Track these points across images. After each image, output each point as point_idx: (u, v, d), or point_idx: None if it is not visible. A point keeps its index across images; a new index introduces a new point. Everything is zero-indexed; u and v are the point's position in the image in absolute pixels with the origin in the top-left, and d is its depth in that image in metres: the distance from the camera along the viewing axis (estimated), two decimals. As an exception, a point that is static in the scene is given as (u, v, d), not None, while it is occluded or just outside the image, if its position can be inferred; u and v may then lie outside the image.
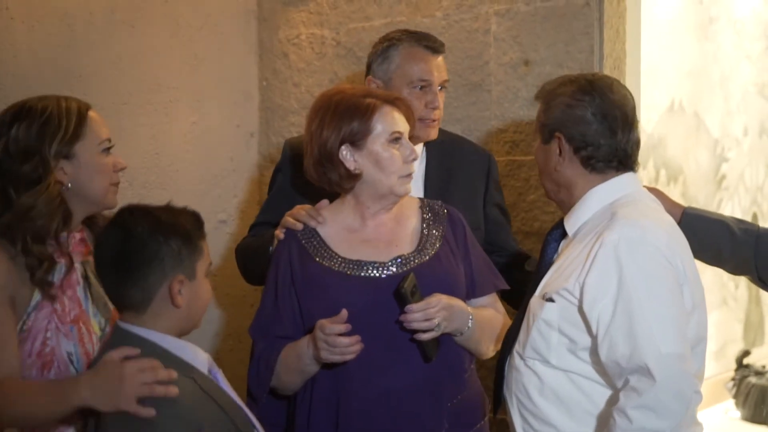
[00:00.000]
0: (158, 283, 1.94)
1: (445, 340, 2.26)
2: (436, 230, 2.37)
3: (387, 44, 2.76)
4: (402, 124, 2.30)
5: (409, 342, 2.23)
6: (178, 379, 1.88)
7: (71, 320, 2.11)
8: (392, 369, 2.23)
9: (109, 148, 2.21)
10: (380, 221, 2.35)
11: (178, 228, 1.95)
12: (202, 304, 2.01)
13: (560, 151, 2.15)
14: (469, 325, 2.27)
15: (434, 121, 2.74)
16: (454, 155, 2.85)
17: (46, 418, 1.93)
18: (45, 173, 2.09)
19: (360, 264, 2.28)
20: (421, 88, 2.72)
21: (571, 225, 2.19)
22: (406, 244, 2.34)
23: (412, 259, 2.31)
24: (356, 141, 2.27)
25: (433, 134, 2.77)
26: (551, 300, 2.10)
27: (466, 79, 3.23)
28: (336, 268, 2.28)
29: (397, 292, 2.19)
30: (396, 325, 2.23)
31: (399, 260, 2.30)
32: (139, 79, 3.47)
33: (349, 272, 2.27)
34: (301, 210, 2.36)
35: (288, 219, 2.37)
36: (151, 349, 1.92)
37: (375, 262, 2.29)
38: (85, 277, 2.20)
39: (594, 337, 2.04)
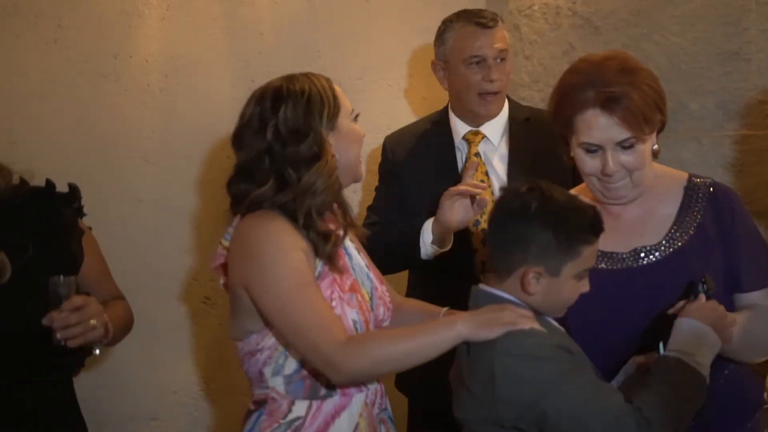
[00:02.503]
0: (518, 264, 1.96)
1: None
2: (692, 216, 2.20)
3: (443, 27, 2.91)
4: None
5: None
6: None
7: (349, 289, 2.12)
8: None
9: (356, 117, 2.23)
10: (625, 206, 2.22)
11: (561, 224, 1.94)
12: (559, 302, 2.01)
13: None
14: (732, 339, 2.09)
15: (494, 94, 2.84)
16: (541, 132, 2.77)
17: (426, 356, 1.98)
18: (321, 149, 2.09)
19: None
20: (477, 63, 2.82)
21: None
22: (651, 234, 2.20)
23: (651, 251, 2.18)
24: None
25: (495, 109, 2.87)
26: None
27: (720, 48, 3.03)
28: None
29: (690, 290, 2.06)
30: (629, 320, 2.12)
31: (637, 253, 2.17)
32: (374, 55, 3.47)
33: None
34: None
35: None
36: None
37: (613, 253, 2.18)
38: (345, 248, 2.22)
39: None
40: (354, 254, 2.21)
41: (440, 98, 3.09)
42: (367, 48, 3.45)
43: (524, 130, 2.92)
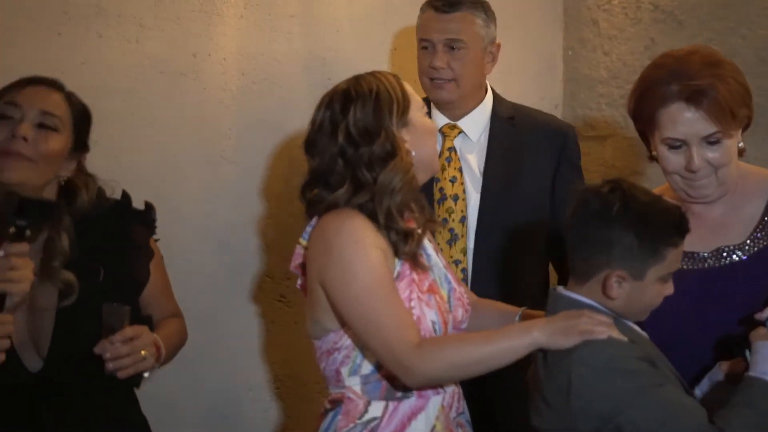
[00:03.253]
0: (599, 267, 1.90)
1: None
2: None
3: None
4: None
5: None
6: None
7: (427, 290, 2.09)
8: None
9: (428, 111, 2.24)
10: (709, 205, 2.14)
11: (644, 226, 1.87)
12: (642, 307, 1.95)
13: None
14: None
15: (438, 80, 2.72)
16: (525, 131, 2.75)
17: (500, 363, 1.96)
18: (394, 147, 2.07)
19: None
20: (426, 48, 2.75)
21: None
22: (734, 234, 2.12)
23: (734, 251, 2.10)
24: None
25: (445, 96, 2.74)
26: None
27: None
28: None
29: None
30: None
31: (719, 252, 2.10)
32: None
33: None
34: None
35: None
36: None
37: (694, 253, 2.11)
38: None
39: None
40: (432, 254, 2.17)
41: (512, 97, 3.02)
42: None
43: (507, 128, 2.82)
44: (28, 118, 2.10)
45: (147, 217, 2.32)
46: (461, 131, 2.82)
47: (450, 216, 2.73)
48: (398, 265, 2.06)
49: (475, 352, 1.95)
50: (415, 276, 2.08)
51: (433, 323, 2.06)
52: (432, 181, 2.66)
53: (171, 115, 3.00)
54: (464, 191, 2.76)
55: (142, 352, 2.07)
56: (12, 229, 1.93)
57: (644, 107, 2.12)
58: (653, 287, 1.90)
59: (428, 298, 2.08)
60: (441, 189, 2.77)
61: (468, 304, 2.21)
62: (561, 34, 3.66)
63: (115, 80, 2.90)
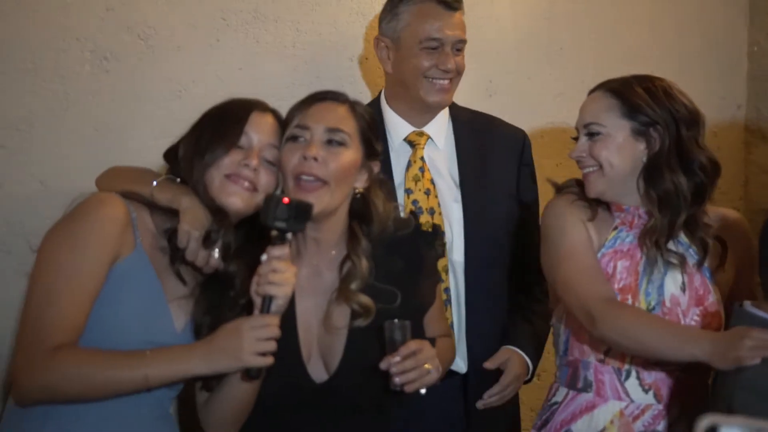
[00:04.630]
0: None
1: None
2: None
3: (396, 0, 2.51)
4: None
5: None
6: None
7: (618, 288, 2.18)
8: None
9: None
10: None
11: None
12: None
13: None
14: None
15: (448, 82, 2.50)
16: (486, 136, 2.60)
17: (662, 355, 2.08)
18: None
19: None
20: (434, 48, 2.47)
21: None
22: None
23: None
24: None
25: (447, 100, 2.53)
26: None
27: None
28: None
29: None
30: None
31: None
32: (619, 50, 3.25)
33: None
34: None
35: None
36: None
37: None
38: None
39: None
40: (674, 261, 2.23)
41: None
42: (610, 44, 3.24)
43: (468, 131, 2.59)
44: (316, 139, 2.10)
45: (434, 239, 2.29)
46: (429, 138, 2.59)
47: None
48: None
49: (651, 332, 2.06)
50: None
51: None
52: (404, 192, 2.51)
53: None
54: (439, 204, 2.54)
55: (426, 366, 2.04)
56: (274, 233, 1.95)
57: None
58: None
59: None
60: (414, 202, 2.54)
61: None
62: (746, 28, 3.38)
63: (273, 87, 2.86)
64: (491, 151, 2.61)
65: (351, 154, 2.11)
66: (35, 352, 1.85)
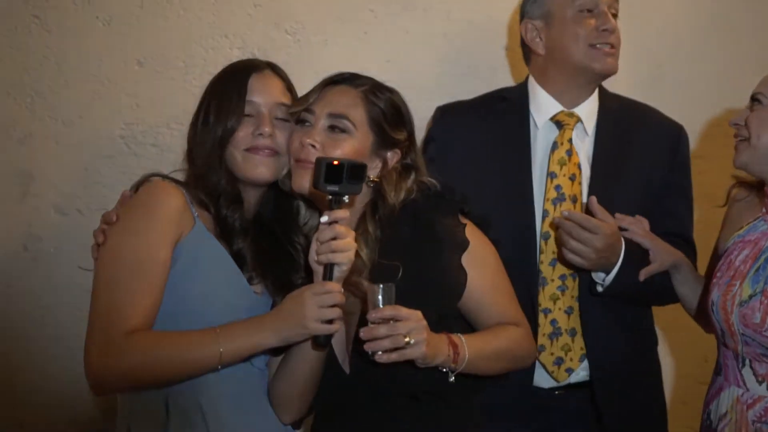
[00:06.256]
0: None
1: None
2: None
3: None
4: None
5: None
6: None
7: (730, 275, 2.15)
8: None
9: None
10: None
11: None
12: None
13: None
14: None
15: (606, 46, 2.35)
16: (633, 125, 2.41)
17: None
18: None
19: None
20: (589, 11, 2.36)
21: None
22: None
23: None
24: None
25: (615, 66, 2.37)
26: None
27: None
28: None
29: None
30: None
31: None
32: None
33: None
34: None
35: None
36: None
37: None
38: None
39: None
40: None
41: None
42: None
43: (613, 120, 2.39)
44: (319, 124, 2.03)
45: (455, 205, 2.11)
46: (579, 120, 2.40)
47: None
48: None
49: None
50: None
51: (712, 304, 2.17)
52: (546, 176, 2.34)
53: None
54: (581, 192, 2.35)
55: (406, 338, 1.87)
56: (328, 197, 1.90)
57: None
58: None
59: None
60: (558, 187, 2.35)
61: None
62: None
63: (426, 78, 2.77)
64: (636, 142, 2.42)
65: (354, 143, 2.02)
66: (110, 338, 1.84)
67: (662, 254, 2.30)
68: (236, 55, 2.67)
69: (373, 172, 2.05)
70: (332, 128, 2.03)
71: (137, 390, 1.93)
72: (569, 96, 2.42)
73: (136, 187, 2.02)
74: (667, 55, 2.93)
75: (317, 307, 1.86)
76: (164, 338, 1.88)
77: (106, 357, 1.84)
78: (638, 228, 2.30)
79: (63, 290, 2.62)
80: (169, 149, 2.64)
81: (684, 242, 2.40)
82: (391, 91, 2.12)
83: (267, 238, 2.09)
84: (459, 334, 1.99)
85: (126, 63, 2.63)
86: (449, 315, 2.03)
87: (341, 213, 1.90)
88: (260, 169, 2.04)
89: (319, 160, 1.91)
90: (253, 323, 1.91)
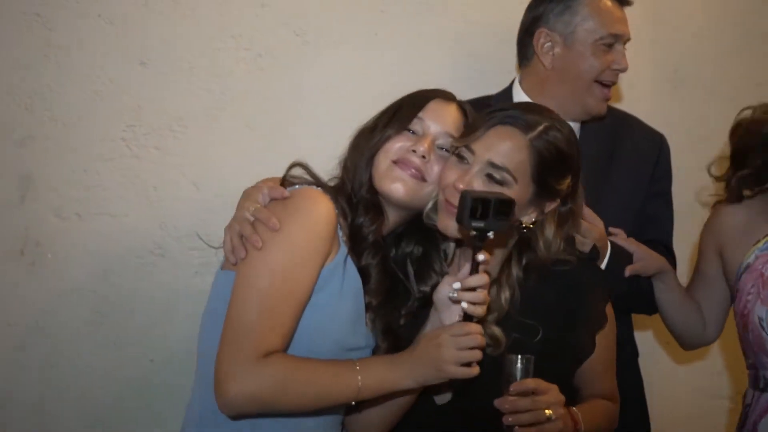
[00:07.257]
0: None
1: None
2: None
3: None
4: None
5: None
6: None
7: (762, 281, 2.19)
8: None
9: None
10: None
11: None
12: None
13: None
14: None
15: (609, 90, 2.38)
16: (619, 135, 2.44)
17: None
18: None
19: None
20: (609, 45, 2.35)
21: None
22: None
23: None
24: None
25: (604, 110, 2.39)
26: None
27: None
28: None
29: None
30: None
31: None
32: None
33: None
34: None
35: None
36: None
37: None
38: None
39: None
40: None
41: None
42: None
43: (594, 131, 2.41)
44: (475, 170, 1.93)
45: (603, 277, 2.12)
46: None
47: None
48: (750, 258, 2.27)
49: None
50: (766, 271, 2.24)
51: (761, 319, 2.20)
52: None
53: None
54: None
55: (547, 412, 1.85)
56: (472, 233, 1.81)
57: None
58: None
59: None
60: None
61: None
62: None
63: (432, 81, 2.67)
64: (622, 151, 2.43)
65: (510, 194, 1.88)
66: (246, 358, 1.74)
67: (648, 259, 2.29)
68: (243, 57, 2.60)
69: (526, 219, 1.97)
70: (490, 177, 1.93)
71: (265, 415, 1.83)
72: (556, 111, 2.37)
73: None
74: (686, 59, 2.87)
75: (455, 349, 1.77)
76: (303, 364, 1.79)
77: (239, 377, 1.74)
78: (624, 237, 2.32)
79: (61, 296, 2.55)
80: (171, 152, 2.56)
81: (665, 249, 2.41)
82: (561, 130, 1.97)
83: (393, 266, 2.00)
84: (575, 409, 1.98)
85: (129, 63, 2.56)
86: None
87: (484, 256, 1.81)
88: (397, 184, 1.93)
89: (464, 195, 1.81)
90: (388, 363, 1.83)
